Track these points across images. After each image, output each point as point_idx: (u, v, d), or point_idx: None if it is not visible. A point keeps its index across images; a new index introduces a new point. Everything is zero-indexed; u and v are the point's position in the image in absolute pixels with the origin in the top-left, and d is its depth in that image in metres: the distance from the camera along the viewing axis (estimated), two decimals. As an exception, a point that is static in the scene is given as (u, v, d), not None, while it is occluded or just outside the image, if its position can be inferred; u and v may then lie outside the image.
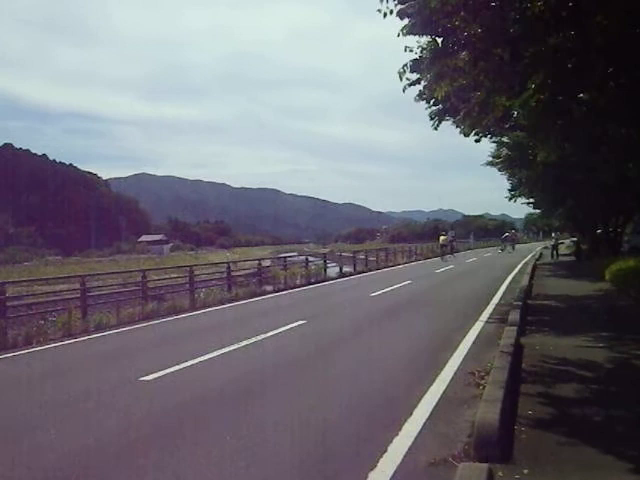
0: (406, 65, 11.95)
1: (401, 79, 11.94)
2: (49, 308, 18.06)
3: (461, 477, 4.71)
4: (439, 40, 11.32)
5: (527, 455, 5.97)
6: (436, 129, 19.17)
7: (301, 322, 16.46)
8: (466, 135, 18.51)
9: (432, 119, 19.34)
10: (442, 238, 57.92)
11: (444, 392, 8.66)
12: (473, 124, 15.59)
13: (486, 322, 15.43)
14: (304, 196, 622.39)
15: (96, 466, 6.37)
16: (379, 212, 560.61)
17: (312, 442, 6.81)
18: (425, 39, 12.03)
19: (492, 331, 13.75)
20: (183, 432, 7.41)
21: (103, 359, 13.29)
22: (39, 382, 10.99)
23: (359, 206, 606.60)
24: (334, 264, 41.14)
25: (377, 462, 6.01)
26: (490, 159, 36.16)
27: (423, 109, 19.36)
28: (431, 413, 7.64)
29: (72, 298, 19.09)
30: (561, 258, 51.08)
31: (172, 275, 29.60)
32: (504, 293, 22.50)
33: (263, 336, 14.29)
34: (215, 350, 12.49)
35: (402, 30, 11.06)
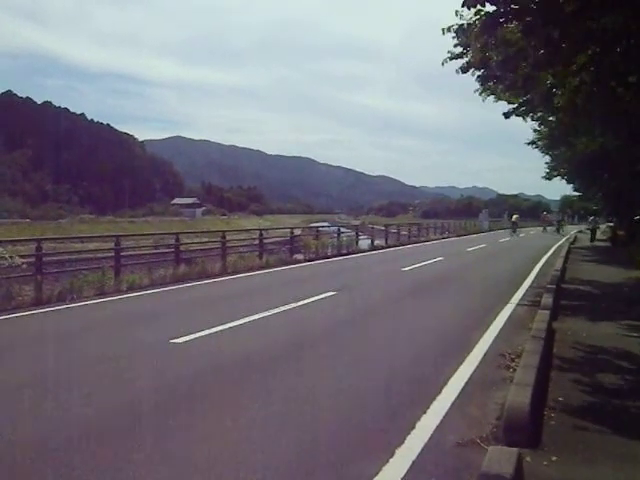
0: (452, 27, 11.81)
1: (443, 33, 11.81)
2: (83, 266, 18.23)
3: (490, 460, 4.67)
4: (490, 9, 11.14)
5: (556, 442, 5.92)
6: (480, 95, 18.76)
7: (331, 293, 16.47)
8: (509, 102, 18.24)
9: (479, 87, 19.00)
10: (515, 217, 68.92)
11: (473, 372, 8.61)
12: (517, 95, 15.44)
13: (518, 304, 15.30)
14: (338, 166, 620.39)
15: (126, 425, 6.44)
16: (413, 186, 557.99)
17: (340, 414, 6.82)
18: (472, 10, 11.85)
19: (524, 314, 13.64)
20: (212, 395, 7.46)
21: (135, 319, 13.44)
22: (70, 339, 11.13)
23: (393, 179, 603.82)
24: (366, 236, 41.07)
25: (404, 439, 6.00)
26: (532, 138, 35.73)
27: (463, 84, 19.13)
28: (460, 393, 7.59)
29: (106, 257, 19.26)
30: (596, 243, 50.50)
31: (203, 239, 29.73)
32: (537, 276, 22.28)
33: (293, 305, 14.33)
34: (245, 316, 12.55)
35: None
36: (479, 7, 11.01)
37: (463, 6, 10.72)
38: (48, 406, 7.05)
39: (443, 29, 11.78)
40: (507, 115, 19.75)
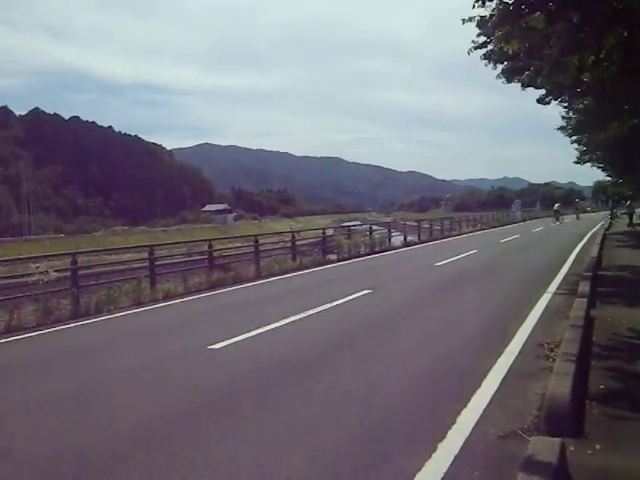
0: (473, 18, 11.75)
1: (463, 23, 11.75)
2: (119, 277, 18.41)
3: (533, 451, 4.66)
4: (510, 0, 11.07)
5: (599, 431, 5.87)
6: (507, 82, 18.59)
7: (367, 291, 16.47)
8: (537, 87, 18.10)
9: (502, 76, 18.86)
10: (556, 205, 71.23)
11: (513, 363, 8.56)
12: (544, 82, 15.33)
13: (554, 293, 15.17)
14: (367, 164, 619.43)
15: (166, 432, 6.49)
16: (443, 180, 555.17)
17: (380, 411, 6.83)
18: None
19: (561, 302, 13.52)
20: (252, 400, 7.49)
21: (172, 327, 13.54)
22: (110, 350, 11.25)
23: (423, 174, 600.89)
24: (398, 233, 40.96)
25: (446, 433, 5.99)
26: (561, 124, 35.42)
27: (489, 75, 18.96)
28: (500, 385, 7.56)
29: (140, 267, 19.44)
30: (628, 228, 49.84)
31: (236, 244, 29.87)
32: (573, 263, 22.07)
33: (329, 305, 14.35)
34: (282, 319, 12.59)
35: None
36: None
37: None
38: (92, 416, 7.14)
39: (463, 19, 11.73)
40: (542, 101, 19.59)
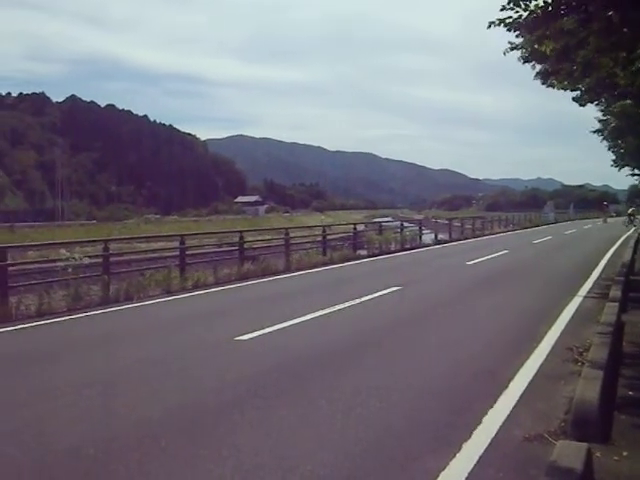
0: (503, 20, 11.59)
1: (489, 27, 11.58)
2: (149, 265, 18.55)
3: (559, 455, 4.62)
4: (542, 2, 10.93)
5: (626, 437, 5.81)
6: (543, 83, 18.38)
7: (396, 288, 16.43)
8: (565, 90, 17.90)
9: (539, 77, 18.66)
10: (631, 210, 67.79)
11: (541, 366, 8.50)
12: (575, 83, 15.17)
13: (585, 297, 15.04)
14: (400, 161, 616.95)
15: (192, 421, 6.53)
16: (476, 179, 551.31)
17: (406, 408, 6.83)
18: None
19: (591, 306, 13.39)
20: (278, 393, 7.51)
21: (200, 317, 13.62)
22: (139, 337, 11.37)
23: (456, 172, 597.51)
24: (429, 231, 40.89)
25: (471, 433, 5.96)
26: (597, 127, 34.99)
27: (525, 74, 18.78)
28: (527, 387, 7.50)
29: (171, 256, 19.57)
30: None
31: (267, 237, 29.95)
32: (604, 267, 21.85)
33: (358, 300, 14.34)
34: (310, 313, 12.61)
35: None
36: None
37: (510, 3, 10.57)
38: (119, 402, 7.21)
39: (490, 23, 11.54)
40: (578, 101, 19.35)
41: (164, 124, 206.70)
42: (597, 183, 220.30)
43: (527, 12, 11.25)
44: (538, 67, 16.68)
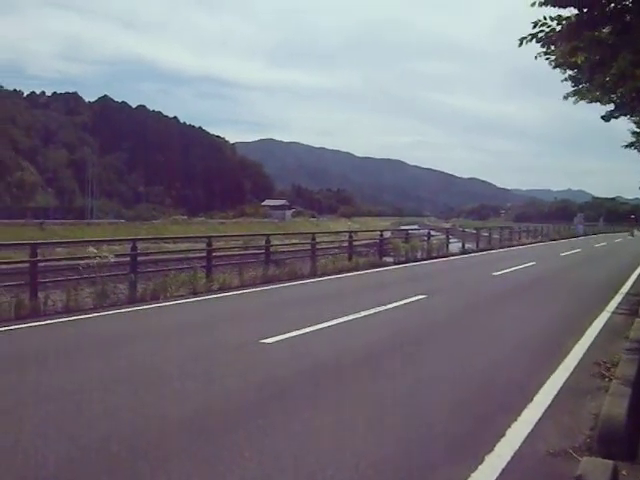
0: (535, 35, 11.48)
1: (520, 44, 11.48)
2: (175, 266, 18.62)
3: (584, 471, 4.57)
4: (576, 12, 10.83)
5: (654, 455, 5.73)
6: (566, 98, 18.22)
7: (421, 296, 16.35)
8: (598, 101, 17.74)
9: (570, 90, 18.51)
10: None
11: (567, 380, 8.39)
12: (607, 94, 15.04)
13: (614, 312, 14.83)
14: (428, 168, 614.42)
15: (215, 422, 6.53)
16: (504, 189, 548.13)
17: (429, 418, 6.77)
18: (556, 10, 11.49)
19: (620, 322, 13.21)
20: (302, 396, 7.50)
21: (225, 319, 13.68)
22: (164, 337, 11.39)
23: (484, 182, 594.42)
24: (456, 239, 40.71)
25: (494, 446, 5.90)
26: (630, 140, 34.60)
27: (555, 83, 18.52)
28: (552, 401, 7.41)
29: (197, 257, 19.64)
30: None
31: (293, 241, 29.99)
32: (634, 282, 21.61)
33: (383, 307, 14.29)
34: (335, 318, 12.56)
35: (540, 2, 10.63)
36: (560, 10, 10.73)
37: (533, 5, 10.47)
38: (143, 401, 7.24)
39: (522, 39, 11.41)
40: (606, 118, 19.15)
41: (193, 126, 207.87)
42: (629, 196, 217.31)
43: (559, 26, 11.17)
44: (569, 72, 16.54)
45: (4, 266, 15.99)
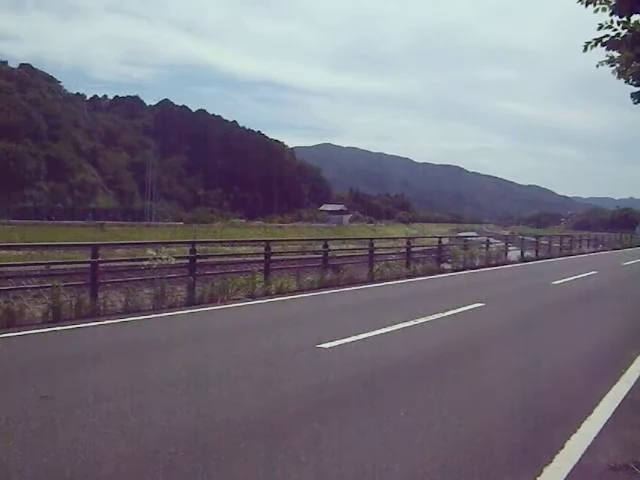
0: (600, 40, 11.27)
1: (585, 49, 11.27)
2: (233, 269, 18.78)
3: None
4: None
5: None
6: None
7: (479, 304, 16.19)
8: None
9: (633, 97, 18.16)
10: None
11: (628, 393, 8.23)
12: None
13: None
14: (487, 175, 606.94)
15: (271, 426, 6.58)
16: (565, 197, 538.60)
17: (486, 428, 6.71)
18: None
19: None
20: (359, 402, 7.49)
21: (282, 323, 13.75)
22: (221, 340, 11.53)
23: (544, 189, 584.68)
24: (515, 247, 40.18)
25: (553, 458, 5.82)
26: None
27: (619, 89, 18.19)
28: (613, 414, 7.28)
29: (255, 261, 19.78)
30: None
31: (350, 246, 30.00)
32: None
33: (440, 315, 14.19)
34: (392, 325, 12.52)
35: (603, 8, 10.44)
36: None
37: (596, 12, 10.28)
38: (201, 402, 7.31)
39: (587, 44, 11.21)
40: None
41: (253, 130, 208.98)
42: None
43: (626, 30, 10.94)
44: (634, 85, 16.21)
45: (66, 266, 16.32)
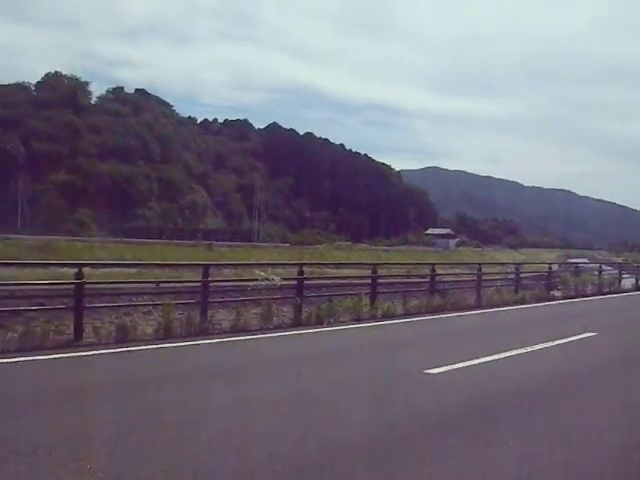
0: None
1: None
2: (339, 291, 18.79)
3: None
4: None
5: None
6: None
7: (592, 334, 15.60)
8: None
9: None
10: None
11: None
12: None
13: None
14: (599, 199, 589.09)
15: (378, 450, 6.48)
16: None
17: (599, 460, 6.42)
18: None
19: None
20: (467, 429, 7.31)
21: (389, 347, 13.67)
22: (329, 361, 11.56)
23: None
24: (629, 275, 38.80)
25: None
26: None
27: None
28: None
29: (361, 284, 19.72)
30: None
31: (457, 270, 29.60)
32: None
33: (551, 344, 13.74)
34: (500, 352, 12.23)
35: None
36: None
37: None
38: (307, 422, 7.34)
39: None
40: None
41: (359, 153, 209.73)
42: None
43: None
44: None
45: (178, 284, 16.67)
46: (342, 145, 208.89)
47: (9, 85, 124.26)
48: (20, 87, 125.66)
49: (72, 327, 12.79)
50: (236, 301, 16.19)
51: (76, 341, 12.41)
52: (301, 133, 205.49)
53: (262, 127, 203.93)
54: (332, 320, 16.43)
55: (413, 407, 8.26)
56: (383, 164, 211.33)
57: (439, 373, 10.24)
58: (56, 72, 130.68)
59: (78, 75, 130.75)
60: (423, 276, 23.32)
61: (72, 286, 13.15)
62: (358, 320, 16.95)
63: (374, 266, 20.25)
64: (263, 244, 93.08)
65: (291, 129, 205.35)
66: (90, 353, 11.42)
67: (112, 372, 10.27)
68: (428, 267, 23.42)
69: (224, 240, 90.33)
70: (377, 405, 8.31)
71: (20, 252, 27.91)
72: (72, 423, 7.09)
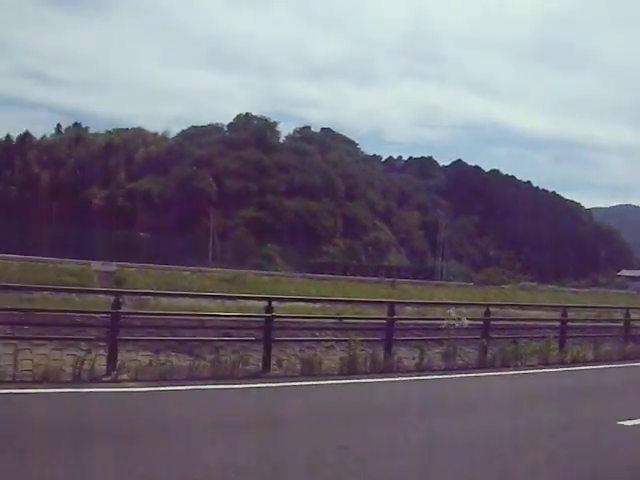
0: None
1: None
2: (525, 334, 18.29)
3: None
4: None
5: None
6: None
7: None
8: None
9: None
10: None
11: None
12: None
13: None
14: None
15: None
16: None
17: None
18: None
19: None
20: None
21: (579, 393, 13.30)
22: (513, 406, 11.26)
23: None
24: None
25: None
26: None
27: None
28: None
29: (549, 327, 19.09)
30: None
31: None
32: None
33: None
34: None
35: None
36: None
37: None
38: (494, 465, 7.20)
39: None
40: None
41: (547, 190, 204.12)
42: None
43: None
44: None
45: (364, 321, 16.82)
46: (529, 182, 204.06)
47: (204, 126, 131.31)
48: (214, 128, 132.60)
49: (256, 357, 13.19)
50: (419, 340, 16.08)
51: (264, 372, 12.79)
52: (486, 170, 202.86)
53: (446, 164, 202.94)
54: (519, 363, 15.97)
55: (608, 460, 7.90)
56: (572, 201, 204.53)
57: (635, 425, 9.73)
58: (247, 113, 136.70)
59: (267, 115, 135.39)
60: (615, 320, 22.17)
61: (260, 318, 13.59)
62: (546, 364, 16.42)
63: (564, 308, 19.50)
64: (446, 282, 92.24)
65: (476, 166, 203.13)
66: (280, 384, 11.76)
67: (304, 404, 10.61)
68: (621, 311, 22.25)
69: (407, 277, 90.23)
70: (564, 457, 8.01)
71: (212, 283, 29.17)
72: (269, 450, 7.30)
